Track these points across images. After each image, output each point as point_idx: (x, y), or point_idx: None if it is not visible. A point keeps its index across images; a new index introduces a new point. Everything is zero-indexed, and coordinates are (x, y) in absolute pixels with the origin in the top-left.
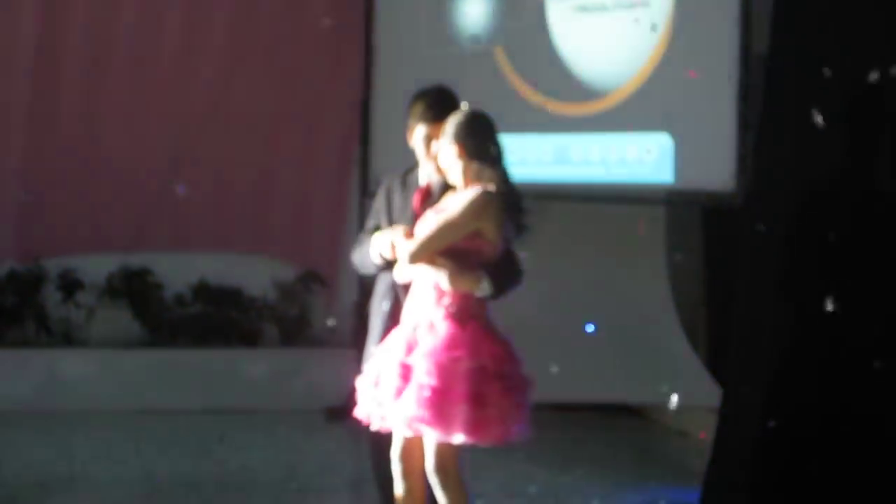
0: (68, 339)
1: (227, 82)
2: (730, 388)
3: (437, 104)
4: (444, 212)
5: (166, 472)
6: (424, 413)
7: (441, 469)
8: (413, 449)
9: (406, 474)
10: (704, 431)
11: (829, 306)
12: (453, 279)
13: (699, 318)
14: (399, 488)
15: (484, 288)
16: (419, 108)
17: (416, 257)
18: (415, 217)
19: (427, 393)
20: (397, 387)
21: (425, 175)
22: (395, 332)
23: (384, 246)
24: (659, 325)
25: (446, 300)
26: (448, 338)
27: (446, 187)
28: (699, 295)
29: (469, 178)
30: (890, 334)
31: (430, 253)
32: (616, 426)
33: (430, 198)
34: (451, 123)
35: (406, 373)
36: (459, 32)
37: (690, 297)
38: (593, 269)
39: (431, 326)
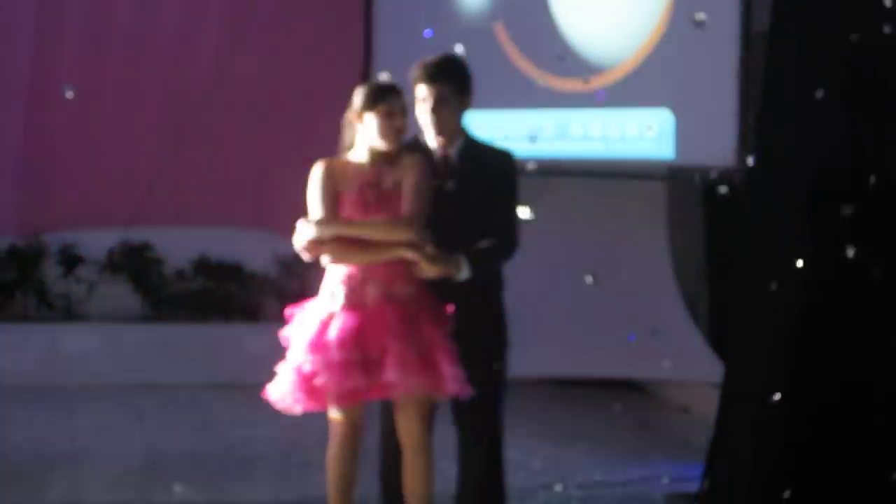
0: (69, 313)
1: (228, 56)
2: (731, 363)
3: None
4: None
5: (167, 446)
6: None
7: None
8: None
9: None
10: (706, 407)
11: (831, 281)
12: (433, 265)
13: (700, 294)
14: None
15: (463, 272)
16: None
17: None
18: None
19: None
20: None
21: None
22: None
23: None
24: (660, 301)
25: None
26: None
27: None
28: (700, 270)
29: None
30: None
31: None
32: (618, 401)
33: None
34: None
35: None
36: (459, 8)
37: (691, 273)
38: (594, 245)
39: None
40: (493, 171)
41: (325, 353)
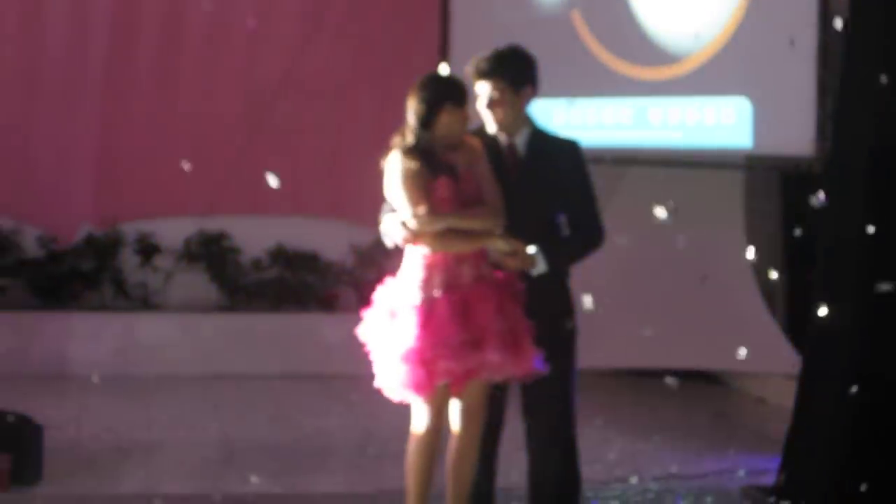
0: (146, 303)
1: (303, 46)
2: (810, 354)
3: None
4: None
5: (243, 436)
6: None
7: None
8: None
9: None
10: (783, 400)
11: None
12: (515, 257)
13: (778, 284)
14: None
15: (539, 266)
16: None
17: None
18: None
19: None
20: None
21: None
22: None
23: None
24: (737, 291)
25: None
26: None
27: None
28: (778, 260)
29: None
30: None
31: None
32: (694, 393)
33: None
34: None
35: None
36: None
37: (769, 263)
38: (671, 235)
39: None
40: (561, 163)
41: (442, 335)
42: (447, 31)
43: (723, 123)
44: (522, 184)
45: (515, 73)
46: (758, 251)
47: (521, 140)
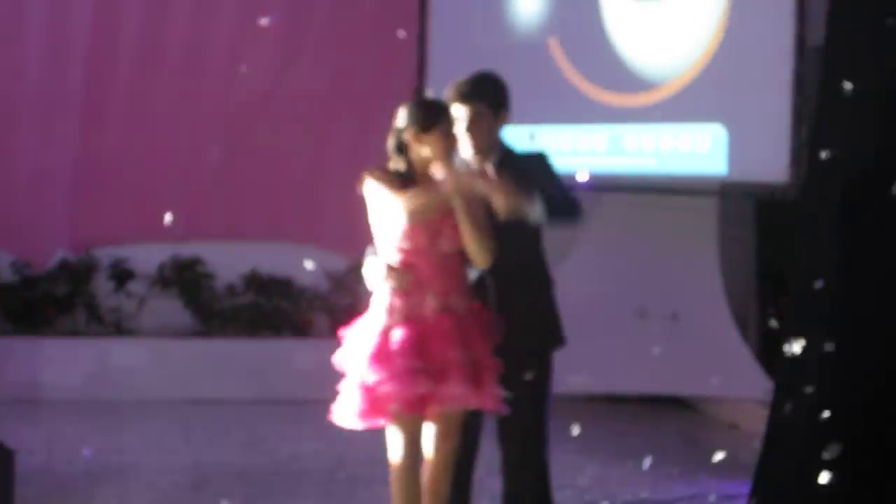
0: (119, 328)
1: (280, 71)
2: (781, 380)
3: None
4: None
5: (215, 462)
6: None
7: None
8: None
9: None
10: (755, 424)
11: (884, 298)
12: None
13: (751, 311)
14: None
15: (535, 211)
16: None
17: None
18: None
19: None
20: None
21: None
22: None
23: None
24: (710, 317)
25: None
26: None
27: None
28: (751, 287)
29: None
30: None
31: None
32: (666, 418)
33: None
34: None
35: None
36: (513, 23)
37: (742, 289)
38: (645, 260)
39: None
40: (531, 174)
41: (389, 363)
42: (424, 56)
43: (698, 150)
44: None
45: (494, 96)
46: (732, 277)
47: (492, 163)
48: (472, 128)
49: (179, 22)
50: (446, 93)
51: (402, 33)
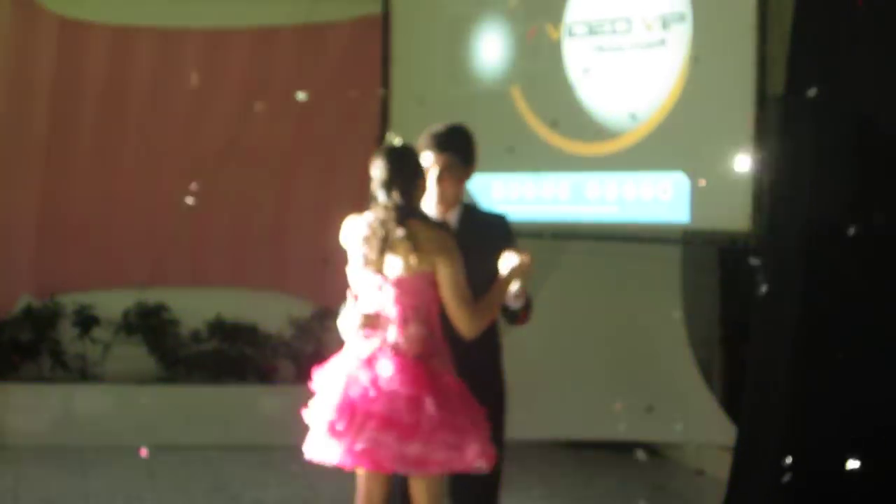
0: (84, 374)
1: (244, 119)
2: (745, 426)
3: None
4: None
5: None
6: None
7: None
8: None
9: None
10: (720, 470)
11: (847, 347)
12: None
13: (714, 357)
14: None
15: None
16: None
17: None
18: None
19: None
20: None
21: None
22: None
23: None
24: (674, 363)
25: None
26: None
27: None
28: (715, 334)
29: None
30: None
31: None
32: (631, 464)
33: None
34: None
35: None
36: (476, 71)
37: (706, 336)
38: (609, 308)
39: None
40: (492, 235)
41: (355, 414)
42: (388, 104)
43: (660, 198)
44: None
45: (468, 149)
46: (696, 324)
47: (454, 216)
48: (443, 177)
49: (143, 69)
50: (420, 141)
51: (365, 82)
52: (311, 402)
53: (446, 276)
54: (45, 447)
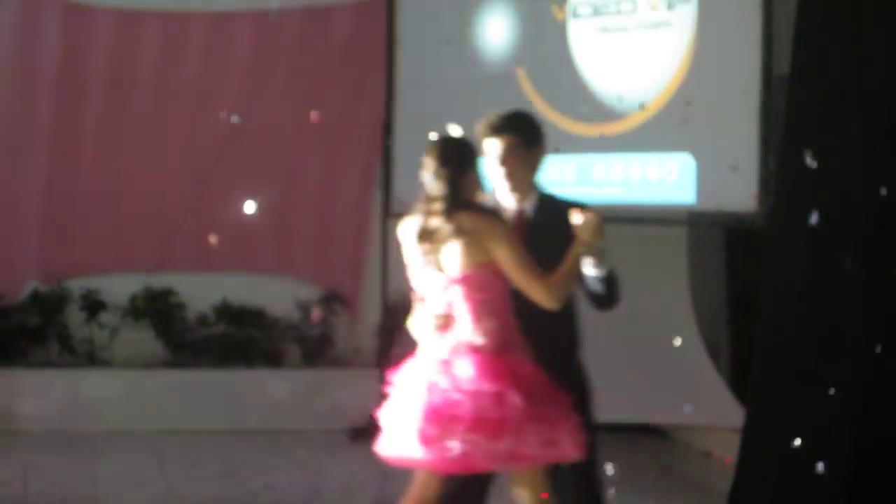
0: (91, 359)
1: (250, 103)
2: (753, 407)
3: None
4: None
5: (190, 492)
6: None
7: None
8: None
9: None
10: (728, 452)
11: (855, 326)
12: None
13: (722, 338)
14: None
15: (600, 267)
16: None
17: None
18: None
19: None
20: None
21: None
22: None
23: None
24: (682, 345)
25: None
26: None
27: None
28: (722, 315)
29: None
30: None
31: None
32: (639, 447)
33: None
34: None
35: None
36: (481, 54)
37: (713, 317)
38: None
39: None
40: (569, 223)
41: (442, 420)
42: (393, 88)
43: (666, 179)
44: (532, 249)
45: (527, 131)
46: (703, 305)
47: (529, 205)
48: (504, 162)
49: (148, 53)
50: (478, 127)
51: (370, 65)
52: (386, 405)
53: (506, 259)
54: (53, 432)
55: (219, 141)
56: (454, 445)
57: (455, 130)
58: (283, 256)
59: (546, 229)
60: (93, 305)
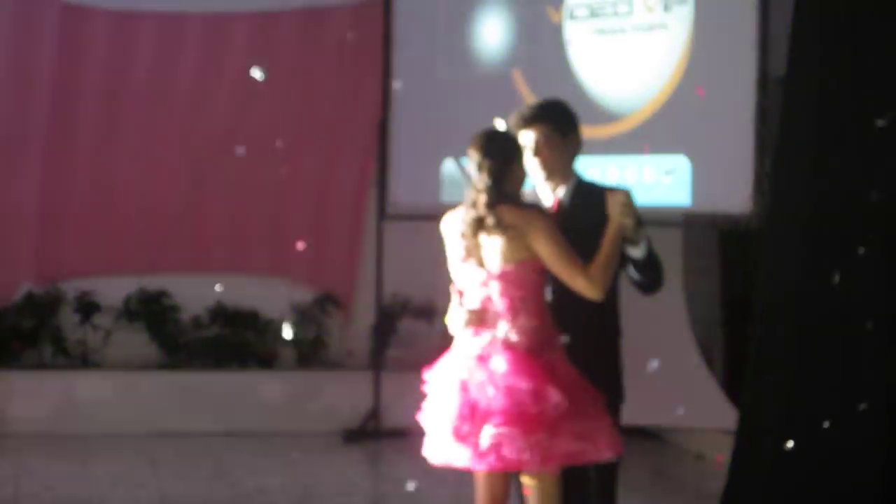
0: (85, 361)
1: (245, 104)
2: (746, 409)
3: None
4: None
5: (183, 494)
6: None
7: None
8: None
9: None
10: (721, 454)
11: (849, 328)
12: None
13: (716, 340)
14: None
15: (641, 247)
16: None
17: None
18: None
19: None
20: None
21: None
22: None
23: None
24: (675, 347)
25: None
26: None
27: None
28: (716, 316)
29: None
30: None
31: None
32: (632, 448)
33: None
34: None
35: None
36: (477, 55)
37: (707, 319)
38: None
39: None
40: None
41: (476, 415)
42: (388, 88)
43: (661, 181)
44: (568, 235)
45: (561, 119)
46: (696, 307)
47: (563, 192)
48: (539, 151)
49: (144, 54)
50: (510, 120)
51: (365, 66)
52: (424, 405)
53: (547, 254)
54: (46, 434)
55: (214, 142)
56: (488, 438)
57: (500, 124)
58: (278, 258)
59: (581, 215)
60: (87, 307)
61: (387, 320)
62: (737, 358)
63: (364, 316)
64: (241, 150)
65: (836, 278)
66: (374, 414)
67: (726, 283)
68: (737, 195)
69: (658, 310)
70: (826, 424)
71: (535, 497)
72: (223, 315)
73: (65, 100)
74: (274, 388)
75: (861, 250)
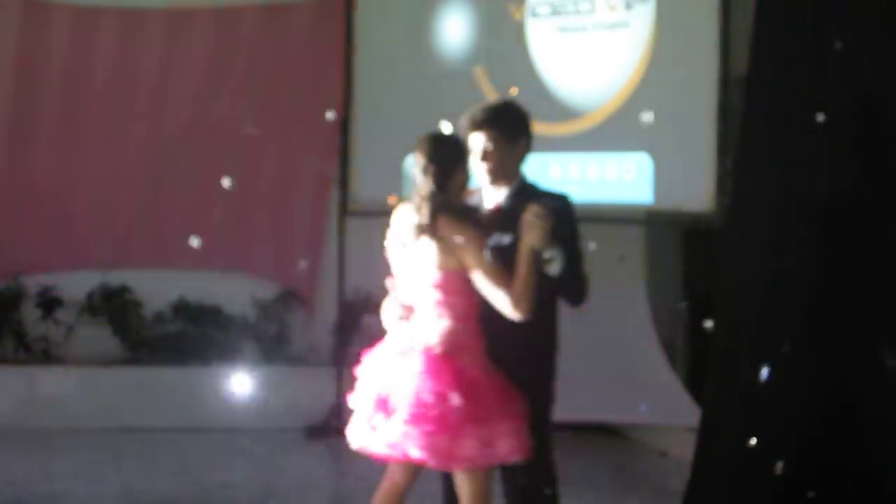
0: (47, 356)
1: (207, 100)
2: (709, 407)
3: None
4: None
5: (145, 490)
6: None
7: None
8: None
9: None
10: (684, 453)
11: (812, 325)
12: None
13: (678, 338)
14: None
15: (556, 264)
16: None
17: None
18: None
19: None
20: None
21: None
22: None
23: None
24: (638, 345)
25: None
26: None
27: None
28: (678, 315)
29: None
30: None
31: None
32: (595, 446)
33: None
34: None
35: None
36: (439, 51)
37: (669, 317)
38: None
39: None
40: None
41: (387, 408)
42: (350, 85)
43: (623, 179)
44: (503, 236)
45: (510, 124)
46: (658, 305)
47: (504, 193)
48: (486, 156)
49: (106, 49)
50: (461, 121)
51: (327, 62)
52: (354, 388)
53: (473, 269)
54: (8, 429)
55: (176, 138)
56: (392, 433)
57: (446, 128)
58: (241, 254)
59: (516, 218)
60: (49, 302)
61: (349, 316)
62: (700, 355)
63: (327, 312)
64: (202, 146)
65: (796, 274)
66: (337, 410)
67: (689, 281)
68: (699, 193)
69: (621, 307)
70: (787, 422)
71: (461, 491)
72: (186, 310)
73: (25, 94)
74: (237, 383)
75: (820, 246)
